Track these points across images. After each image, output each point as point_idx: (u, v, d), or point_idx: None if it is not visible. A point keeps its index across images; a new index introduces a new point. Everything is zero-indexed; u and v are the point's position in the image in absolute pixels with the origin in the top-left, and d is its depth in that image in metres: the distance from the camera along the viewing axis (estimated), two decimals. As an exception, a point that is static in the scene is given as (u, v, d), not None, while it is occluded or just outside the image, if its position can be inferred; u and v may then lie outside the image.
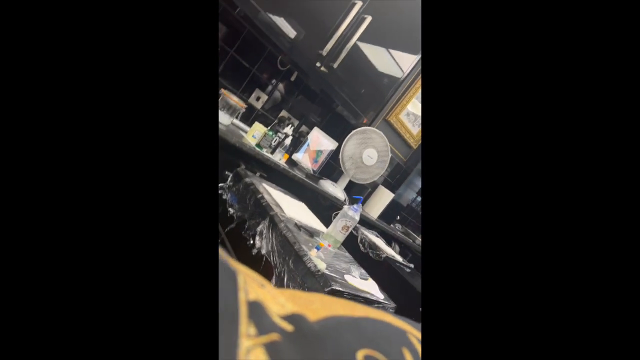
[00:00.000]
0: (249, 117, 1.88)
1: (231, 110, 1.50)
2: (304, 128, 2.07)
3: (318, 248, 1.03)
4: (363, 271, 1.15)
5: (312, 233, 1.20)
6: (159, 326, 0.21)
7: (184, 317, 0.21)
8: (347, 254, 1.27)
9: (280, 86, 1.95)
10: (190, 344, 0.21)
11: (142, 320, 0.21)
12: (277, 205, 1.23)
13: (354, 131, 1.90)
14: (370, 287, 1.04)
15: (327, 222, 1.56)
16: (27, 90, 0.24)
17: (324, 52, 1.62)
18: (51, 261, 0.22)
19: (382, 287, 1.15)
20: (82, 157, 0.25)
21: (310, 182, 1.80)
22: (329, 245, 1.19)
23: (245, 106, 1.57)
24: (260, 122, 1.71)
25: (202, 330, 0.21)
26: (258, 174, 1.56)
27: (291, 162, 1.86)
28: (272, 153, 1.66)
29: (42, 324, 0.20)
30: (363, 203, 2.12)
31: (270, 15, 1.51)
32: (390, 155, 1.95)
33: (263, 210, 1.15)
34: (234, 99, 1.47)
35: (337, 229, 1.21)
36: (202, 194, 0.26)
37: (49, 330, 0.20)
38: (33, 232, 0.22)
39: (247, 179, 1.30)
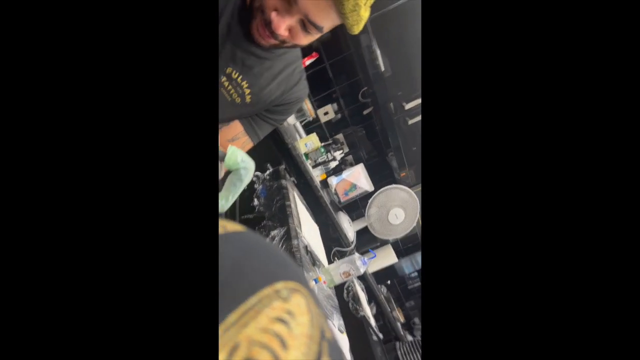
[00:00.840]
0: (309, 125, 1.92)
1: (300, 113, 1.54)
2: (349, 158, 2.09)
3: (316, 281, 1.02)
4: (342, 322, 1.13)
5: (315, 262, 1.20)
6: (158, 326, 0.21)
7: (182, 312, 0.21)
8: (335, 298, 1.26)
9: (348, 111, 1.98)
10: (189, 342, 0.21)
11: (142, 319, 0.21)
12: (298, 219, 1.23)
13: (393, 185, 1.90)
14: (343, 343, 1.02)
15: (327, 253, 1.55)
16: (16, 78, 0.24)
17: (406, 107, 1.65)
18: (51, 259, 0.22)
19: (350, 345, 1.12)
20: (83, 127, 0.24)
21: (331, 209, 1.80)
22: (324, 282, 1.18)
23: (314, 116, 1.60)
24: (317, 134, 1.74)
25: (201, 328, 0.21)
26: (292, 178, 1.58)
27: (324, 184, 1.88)
28: (313, 167, 1.68)
29: (40, 318, 0.20)
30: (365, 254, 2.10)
31: (373, 41, 1.55)
32: (415, 224, 1.94)
33: (284, 218, 1.16)
34: (308, 106, 1.51)
35: (339, 272, 1.21)
36: (201, 191, 0.25)
37: (47, 327, 0.20)
38: (31, 222, 0.22)
39: (283, 181, 1.32)
